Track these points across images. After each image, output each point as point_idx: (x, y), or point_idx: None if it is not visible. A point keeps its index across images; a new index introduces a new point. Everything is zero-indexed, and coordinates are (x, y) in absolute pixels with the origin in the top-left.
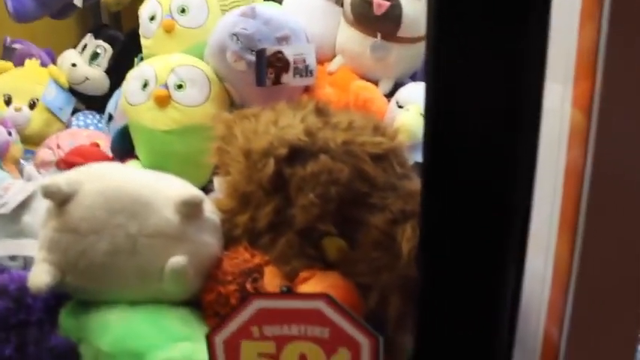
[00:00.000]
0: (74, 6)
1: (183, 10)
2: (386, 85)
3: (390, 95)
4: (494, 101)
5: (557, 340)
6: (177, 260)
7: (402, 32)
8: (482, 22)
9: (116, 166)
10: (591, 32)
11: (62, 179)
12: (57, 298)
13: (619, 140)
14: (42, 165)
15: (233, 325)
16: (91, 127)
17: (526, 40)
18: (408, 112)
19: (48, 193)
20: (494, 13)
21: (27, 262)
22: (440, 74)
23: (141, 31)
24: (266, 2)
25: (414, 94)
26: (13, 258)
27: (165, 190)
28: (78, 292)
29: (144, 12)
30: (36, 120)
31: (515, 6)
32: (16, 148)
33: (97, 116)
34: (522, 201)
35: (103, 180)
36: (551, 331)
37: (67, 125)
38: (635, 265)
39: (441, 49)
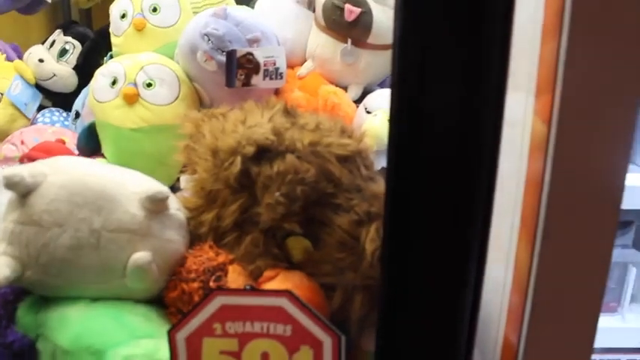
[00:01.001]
0: (43, 1)
1: (154, 9)
2: (355, 91)
3: (358, 101)
4: (456, 108)
5: (516, 346)
6: (141, 256)
7: (372, 39)
8: (446, 29)
9: (81, 159)
10: (553, 45)
11: (25, 170)
12: (15, 293)
13: (577, 151)
14: (4, 161)
15: (195, 322)
16: (58, 125)
17: (487, 47)
18: (375, 117)
19: (10, 183)
20: (456, 21)
21: None
22: (404, 79)
23: (111, 29)
24: (238, 5)
25: (383, 100)
26: None
27: (130, 185)
28: (38, 287)
29: (115, 9)
30: (0, 115)
31: (475, 14)
32: None
33: (64, 113)
34: (483, 207)
35: (68, 173)
36: (511, 338)
37: (32, 121)
38: (593, 274)
39: (405, 53)
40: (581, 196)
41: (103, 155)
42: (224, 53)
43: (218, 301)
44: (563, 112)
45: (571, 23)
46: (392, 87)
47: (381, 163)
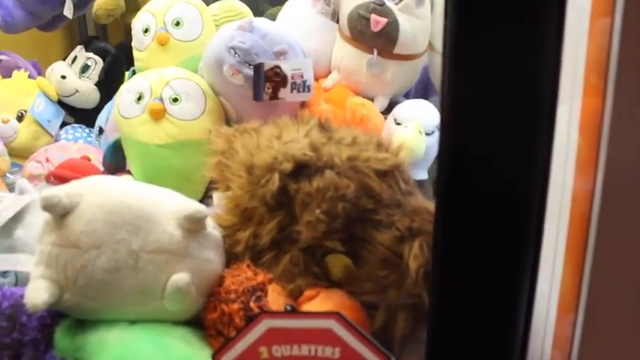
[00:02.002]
0: (64, 17)
1: (177, 23)
2: (382, 102)
3: (385, 112)
4: (507, 122)
5: None
6: (180, 277)
7: (398, 49)
8: (499, 41)
9: (115, 178)
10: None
11: (62, 191)
12: (52, 316)
13: (628, 164)
14: (30, 178)
15: (241, 346)
16: (81, 141)
17: (539, 62)
18: (406, 129)
19: (48, 205)
20: (506, 59)
21: (19, 278)
22: (456, 94)
23: (134, 44)
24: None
25: (412, 111)
26: (4, 274)
27: (167, 204)
28: (75, 311)
29: (137, 24)
30: (23, 132)
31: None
32: (3, 161)
33: (87, 129)
34: (536, 224)
35: (104, 193)
36: (557, 356)
37: (56, 138)
38: None
39: (458, 67)
40: (634, 211)
41: (128, 171)
42: (251, 66)
43: (264, 325)
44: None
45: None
46: (442, 102)
47: (413, 174)
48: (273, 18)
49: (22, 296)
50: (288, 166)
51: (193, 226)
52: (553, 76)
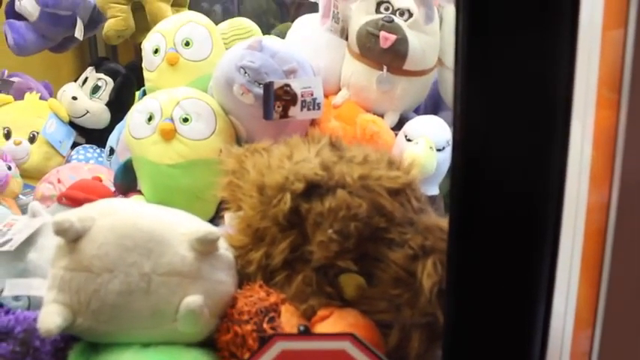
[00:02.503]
0: (75, 39)
1: (187, 44)
2: (392, 118)
3: (395, 128)
4: (520, 138)
5: None
6: (193, 300)
7: (408, 65)
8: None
9: (127, 201)
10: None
11: (74, 216)
12: (66, 340)
13: None
14: (42, 200)
15: None
16: (92, 161)
17: (552, 78)
18: (417, 145)
19: (60, 230)
20: (522, 43)
21: (31, 302)
22: (467, 111)
23: (144, 64)
24: (268, 36)
25: (423, 127)
26: (16, 297)
27: (179, 226)
28: (88, 334)
29: (147, 45)
30: (35, 154)
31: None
32: (16, 183)
33: (98, 150)
34: (551, 239)
35: (116, 216)
36: None
37: (67, 159)
38: None
39: (470, 83)
40: None
41: (139, 191)
42: (261, 86)
43: (278, 347)
44: (629, 137)
45: None
46: (454, 121)
47: (424, 190)
48: (281, 34)
49: (35, 320)
50: (299, 186)
51: (205, 248)
52: (566, 90)
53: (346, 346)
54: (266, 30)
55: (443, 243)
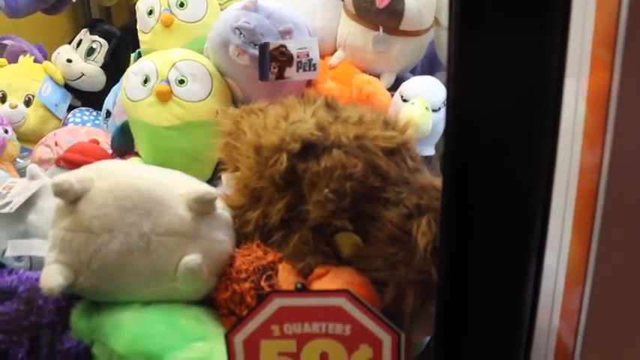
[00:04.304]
0: (68, 0)
1: (181, 4)
2: (388, 79)
3: (391, 89)
4: (514, 98)
5: (571, 338)
6: (191, 258)
7: (404, 25)
8: (504, 22)
9: (126, 163)
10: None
11: (73, 177)
12: (68, 298)
13: (637, 138)
14: (40, 163)
15: (253, 324)
16: (88, 124)
17: (546, 36)
18: (413, 105)
19: (60, 191)
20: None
21: (33, 263)
22: (461, 71)
23: (139, 26)
24: None
25: (419, 87)
26: (18, 258)
27: (177, 187)
28: (90, 293)
29: (141, 6)
30: (32, 117)
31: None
32: (13, 146)
33: (94, 113)
34: (542, 197)
35: (114, 177)
36: (564, 329)
37: (64, 122)
38: None
39: (463, 45)
40: None
41: (136, 154)
42: (256, 46)
43: (276, 303)
44: (622, 98)
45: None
46: (448, 78)
47: (420, 150)
48: None
49: (37, 280)
50: (295, 147)
51: (203, 207)
52: (560, 49)
53: (342, 302)
54: None
55: (438, 202)
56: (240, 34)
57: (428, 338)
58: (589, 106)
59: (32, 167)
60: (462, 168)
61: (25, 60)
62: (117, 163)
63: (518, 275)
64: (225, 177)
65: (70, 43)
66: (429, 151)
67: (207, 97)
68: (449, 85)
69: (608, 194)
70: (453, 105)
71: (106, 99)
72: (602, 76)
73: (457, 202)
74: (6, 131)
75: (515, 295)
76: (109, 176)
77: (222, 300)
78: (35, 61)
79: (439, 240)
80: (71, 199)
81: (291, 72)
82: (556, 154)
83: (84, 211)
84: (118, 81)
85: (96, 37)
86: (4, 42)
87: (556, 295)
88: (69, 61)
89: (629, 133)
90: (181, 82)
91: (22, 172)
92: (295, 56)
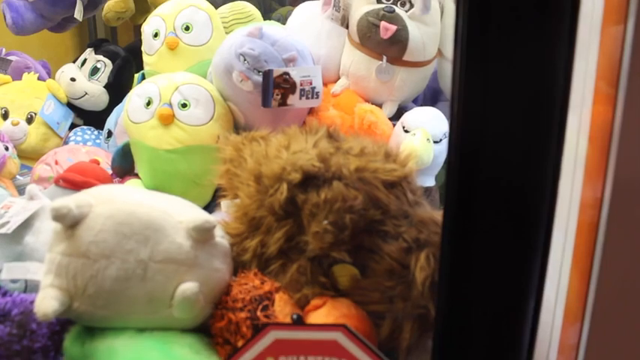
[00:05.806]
0: (74, 19)
1: (187, 28)
2: (390, 108)
3: (393, 118)
4: (517, 132)
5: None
6: (188, 287)
7: (407, 56)
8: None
9: (125, 188)
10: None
11: (72, 201)
12: (62, 323)
13: (637, 173)
14: (39, 181)
15: (248, 356)
16: (89, 143)
17: (550, 69)
18: (414, 137)
19: (58, 215)
20: (521, 36)
21: (28, 285)
22: (466, 100)
23: (143, 48)
24: (268, 22)
25: (421, 118)
26: (13, 280)
27: (176, 214)
28: (85, 319)
29: (147, 28)
30: (33, 134)
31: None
32: (13, 163)
33: (95, 132)
34: (544, 232)
35: (114, 203)
36: None
37: (65, 140)
38: None
39: (468, 74)
40: None
41: (136, 175)
42: (260, 73)
43: (271, 336)
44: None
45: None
46: (451, 111)
47: (421, 181)
48: (282, 17)
49: (32, 303)
50: (296, 177)
51: (202, 236)
52: (564, 84)
53: (338, 336)
54: (266, 13)
55: (437, 236)
56: (245, 60)
57: None
58: (590, 140)
59: (31, 187)
60: (462, 202)
61: (28, 77)
62: (116, 189)
63: (517, 311)
64: (224, 204)
65: (74, 61)
66: (430, 182)
67: (210, 121)
68: (451, 119)
69: (609, 229)
70: (455, 139)
71: (108, 119)
72: (604, 110)
73: (457, 236)
74: (7, 148)
75: (514, 330)
76: (108, 202)
77: (217, 329)
78: (39, 78)
79: (438, 274)
80: (69, 223)
81: (293, 99)
82: (557, 189)
83: (82, 236)
84: (120, 101)
85: (100, 57)
86: (8, 58)
87: (554, 330)
88: (73, 79)
89: (631, 167)
90: (184, 105)
91: (21, 190)
92: (298, 84)
